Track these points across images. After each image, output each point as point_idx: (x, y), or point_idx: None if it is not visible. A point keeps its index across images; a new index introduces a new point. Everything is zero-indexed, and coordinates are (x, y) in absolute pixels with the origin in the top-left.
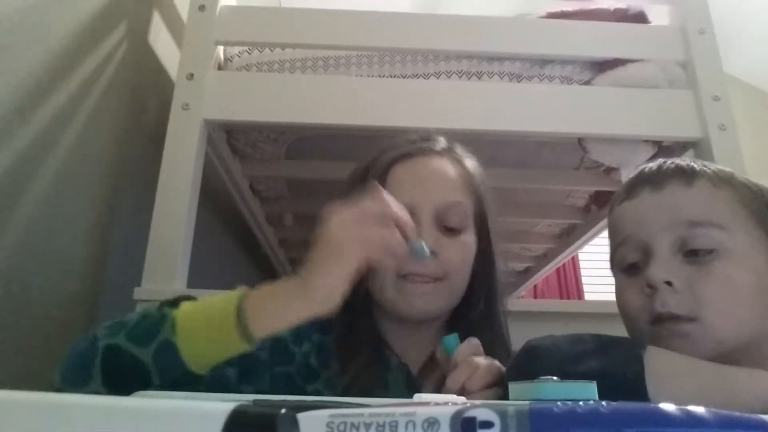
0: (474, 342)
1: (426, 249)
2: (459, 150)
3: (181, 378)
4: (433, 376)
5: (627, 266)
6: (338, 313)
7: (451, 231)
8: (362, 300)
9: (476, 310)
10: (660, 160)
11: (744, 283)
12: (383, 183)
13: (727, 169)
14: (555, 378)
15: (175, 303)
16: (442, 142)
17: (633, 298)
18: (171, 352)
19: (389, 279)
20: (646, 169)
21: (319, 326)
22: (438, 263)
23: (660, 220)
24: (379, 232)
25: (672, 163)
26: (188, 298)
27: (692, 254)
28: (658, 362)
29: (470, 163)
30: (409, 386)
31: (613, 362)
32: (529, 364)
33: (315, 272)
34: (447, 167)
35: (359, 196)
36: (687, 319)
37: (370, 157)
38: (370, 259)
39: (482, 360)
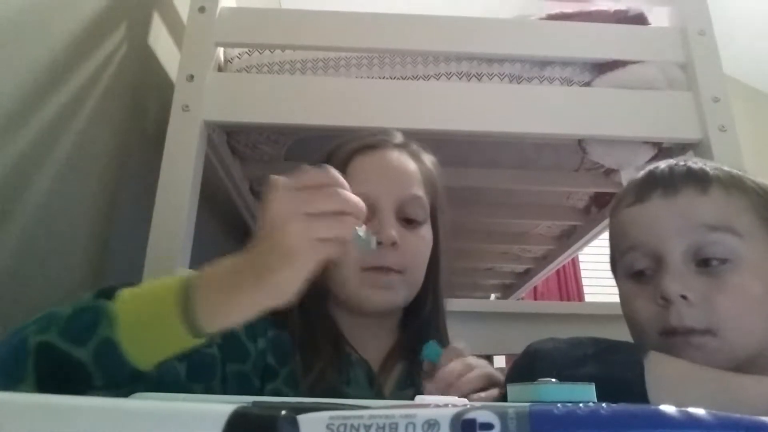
0: (459, 347)
1: (373, 241)
2: (415, 146)
3: (126, 376)
4: (392, 373)
5: (634, 272)
6: (294, 308)
7: (411, 223)
8: (319, 295)
9: (426, 307)
10: (671, 162)
11: (758, 293)
12: (343, 175)
13: (735, 172)
14: (553, 380)
15: (110, 292)
16: (399, 137)
17: (643, 308)
18: (113, 350)
19: (352, 272)
20: (658, 172)
21: (273, 321)
22: (399, 255)
23: (673, 227)
24: (333, 229)
25: (684, 166)
26: (126, 285)
27: (705, 263)
28: (659, 367)
29: (427, 158)
30: (370, 382)
31: (614, 366)
32: (530, 367)
33: (269, 268)
34: (407, 161)
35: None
36: (702, 332)
37: (325, 151)
38: (327, 259)
39: (479, 362)
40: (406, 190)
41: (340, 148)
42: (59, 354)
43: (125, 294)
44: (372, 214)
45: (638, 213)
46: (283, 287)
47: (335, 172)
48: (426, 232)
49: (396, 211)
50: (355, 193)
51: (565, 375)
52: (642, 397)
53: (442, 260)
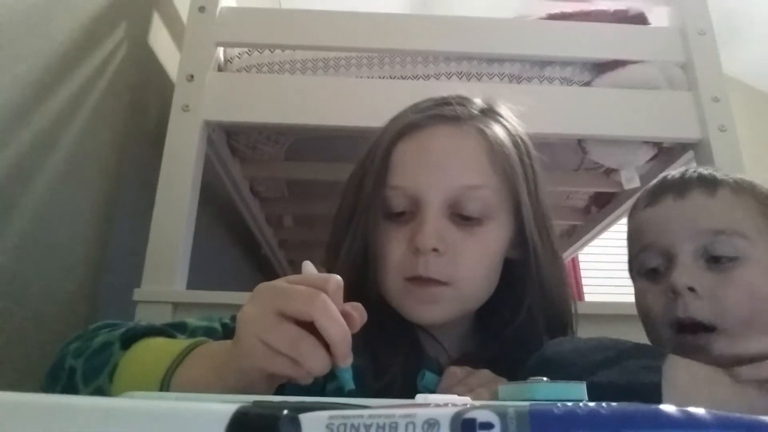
0: (454, 371)
1: (351, 382)
2: (493, 114)
3: None
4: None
5: (648, 271)
6: (366, 305)
7: (468, 221)
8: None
9: (513, 317)
10: (682, 169)
11: (766, 291)
12: (386, 166)
13: (747, 178)
14: (545, 379)
15: (139, 334)
16: (469, 107)
17: (654, 303)
18: None
19: (394, 282)
20: (669, 177)
21: None
22: (446, 263)
23: (683, 228)
24: (286, 342)
25: (694, 171)
26: (158, 330)
27: (714, 260)
28: (676, 373)
29: (502, 131)
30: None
31: (633, 373)
32: (547, 372)
33: (231, 359)
34: (465, 139)
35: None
36: (708, 329)
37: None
38: (279, 373)
39: (472, 381)
40: (457, 180)
41: (384, 130)
42: (75, 383)
43: (139, 348)
44: (416, 213)
45: (651, 215)
46: (242, 383)
47: (338, 280)
48: (488, 231)
49: (447, 207)
50: (394, 187)
51: (583, 381)
52: (659, 402)
53: (533, 257)
